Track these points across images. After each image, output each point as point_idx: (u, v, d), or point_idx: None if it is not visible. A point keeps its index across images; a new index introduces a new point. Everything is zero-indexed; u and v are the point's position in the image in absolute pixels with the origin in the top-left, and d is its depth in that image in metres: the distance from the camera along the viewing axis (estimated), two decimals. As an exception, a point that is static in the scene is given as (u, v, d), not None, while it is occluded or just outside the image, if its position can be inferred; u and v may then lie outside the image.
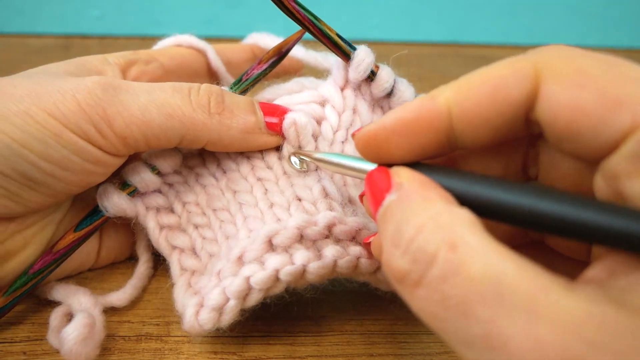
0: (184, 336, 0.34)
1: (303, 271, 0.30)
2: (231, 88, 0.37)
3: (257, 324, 0.35)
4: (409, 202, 0.23)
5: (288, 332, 0.34)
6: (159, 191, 0.36)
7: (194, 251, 0.35)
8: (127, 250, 0.39)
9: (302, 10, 0.35)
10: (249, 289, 0.30)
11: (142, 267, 0.37)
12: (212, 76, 0.43)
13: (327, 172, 0.35)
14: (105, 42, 0.82)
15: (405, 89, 0.37)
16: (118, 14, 0.83)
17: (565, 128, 0.22)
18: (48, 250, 0.33)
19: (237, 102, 0.34)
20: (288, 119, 0.34)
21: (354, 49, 0.36)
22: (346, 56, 0.36)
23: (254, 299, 0.30)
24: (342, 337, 0.34)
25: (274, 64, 0.39)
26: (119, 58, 0.38)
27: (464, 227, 0.21)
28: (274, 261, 0.30)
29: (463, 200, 0.23)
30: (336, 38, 0.36)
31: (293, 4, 0.35)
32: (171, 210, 0.36)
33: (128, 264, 0.39)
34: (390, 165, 0.26)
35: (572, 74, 0.22)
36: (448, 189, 0.24)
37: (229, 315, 0.30)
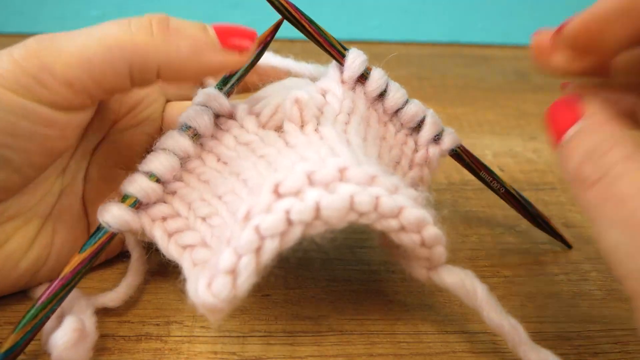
0: (184, 336, 0.34)
1: (316, 209, 0.28)
2: (218, 87, 0.36)
3: (257, 324, 0.35)
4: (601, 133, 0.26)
5: (288, 332, 0.34)
6: (163, 202, 0.35)
7: (204, 243, 0.33)
8: (117, 247, 0.38)
9: (298, 11, 0.36)
10: (260, 239, 0.28)
11: (135, 263, 0.36)
12: (201, 84, 0.43)
13: (332, 138, 0.33)
14: (105, 42, 0.82)
15: (397, 89, 0.39)
16: (118, 14, 0.83)
17: None
18: (56, 278, 0.32)
19: (185, 24, 0.32)
20: (290, 98, 0.34)
21: (347, 50, 0.38)
22: (341, 56, 0.38)
23: (268, 250, 0.28)
24: (342, 337, 0.34)
25: (258, 56, 0.38)
26: None
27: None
28: (283, 204, 0.28)
29: None
30: (332, 38, 0.37)
31: (291, 4, 0.35)
32: (178, 214, 0.34)
33: (127, 263, 0.39)
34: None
35: None
36: None
37: (244, 275, 0.27)
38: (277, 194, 0.29)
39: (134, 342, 0.33)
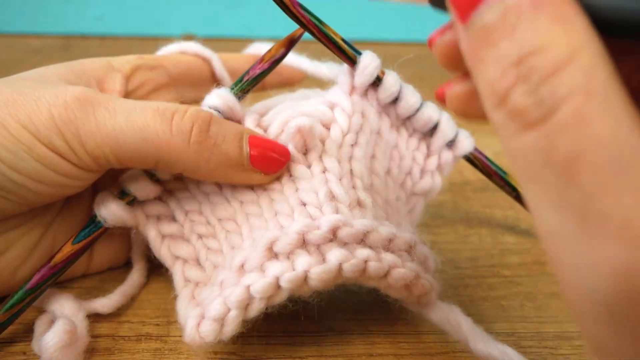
0: (184, 336, 0.34)
1: (305, 277, 0.29)
2: (232, 88, 0.36)
3: (257, 324, 0.35)
4: (542, 20, 0.17)
5: (288, 332, 0.34)
6: (160, 199, 0.35)
7: (197, 262, 0.34)
8: (123, 256, 0.38)
9: (307, 15, 0.34)
10: (249, 299, 0.29)
11: (135, 274, 0.37)
12: (217, 84, 0.42)
13: (334, 173, 0.34)
14: (106, 42, 0.82)
15: (411, 94, 0.37)
16: (118, 14, 0.83)
17: None
18: (45, 263, 0.32)
19: (224, 133, 0.32)
20: (291, 126, 0.33)
21: (359, 53, 0.36)
22: (351, 61, 0.36)
23: (255, 309, 0.30)
24: (342, 337, 0.34)
25: (276, 63, 0.37)
26: (124, 64, 0.37)
27: (605, 72, 0.17)
28: (275, 268, 0.29)
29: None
30: (341, 43, 0.35)
31: (298, 8, 0.34)
32: (173, 218, 0.35)
33: (130, 267, 0.38)
34: None
35: None
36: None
37: (231, 326, 0.30)
38: (271, 252, 0.30)
39: (134, 342, 0.33)
